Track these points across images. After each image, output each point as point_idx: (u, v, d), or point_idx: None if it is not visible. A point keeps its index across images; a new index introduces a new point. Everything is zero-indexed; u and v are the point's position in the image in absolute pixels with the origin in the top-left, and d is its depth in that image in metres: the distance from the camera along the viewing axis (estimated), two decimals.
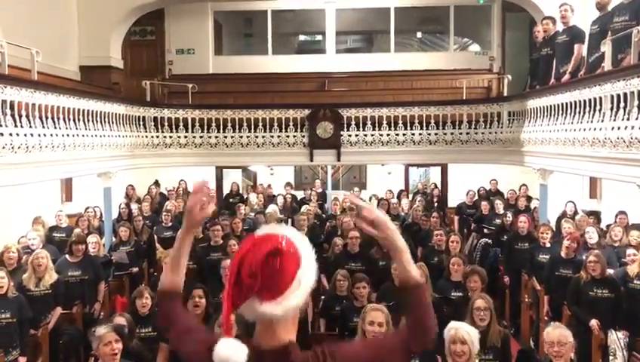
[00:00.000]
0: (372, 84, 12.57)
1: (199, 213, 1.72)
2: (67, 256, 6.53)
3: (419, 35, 16.12)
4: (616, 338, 5.30)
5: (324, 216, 10.35)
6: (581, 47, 7.19)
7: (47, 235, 8.12)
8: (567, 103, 7.02)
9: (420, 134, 9.86)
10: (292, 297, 1.40)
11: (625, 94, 5.55)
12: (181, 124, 9.90)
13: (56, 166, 7.01)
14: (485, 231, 9.31)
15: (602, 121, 6.05)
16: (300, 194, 12.09)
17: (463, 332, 3.58)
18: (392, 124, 9.91)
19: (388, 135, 9.90)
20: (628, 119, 5.48)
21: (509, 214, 8.68)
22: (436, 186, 12.78)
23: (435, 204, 11.37)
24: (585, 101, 6.49)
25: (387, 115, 9.91)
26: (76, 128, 7.39)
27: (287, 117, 9.99)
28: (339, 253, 7.01)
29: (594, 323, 5.47)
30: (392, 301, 5.39)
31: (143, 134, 9.65)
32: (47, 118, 6.67)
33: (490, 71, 12.58)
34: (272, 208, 10.06)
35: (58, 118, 6.93)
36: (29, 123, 6.23)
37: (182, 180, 12.22)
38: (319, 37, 15.17)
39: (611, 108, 5.83)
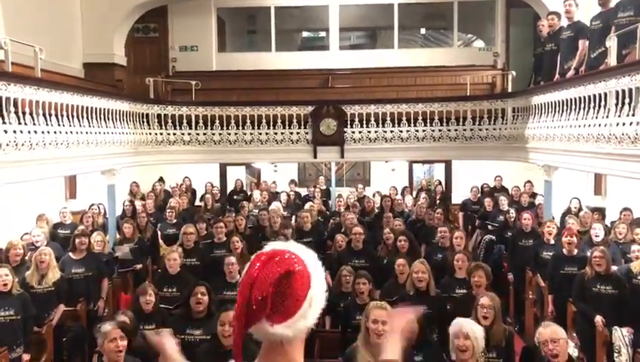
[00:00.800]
0: (376, 80, 12.54)
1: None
2: (70, 253, 6.56)
3: (423, 31, 16.07)
4: (621, 335, 5.28)
5: (327, 212, 10.34)
6: (586, 42, 7.14)
7: (52, 232, 8.16)
8: (571, 99, 6.97)
9: (423, 131, 9.82)
10: (303, 318, 1.37)
11: (630, 90, 5.51)
12: (185, 121, 9.89)
13: (60, 163, 7.01)
14: (489, 227, 9.29)
15: (607, 117, 6.01)
16: (303, 191, 12.08)
17: (467, 327, 3.60)
18: (396, 121, 9.87)
19: (392, 131, 9.87)
20: (633, 115, 5.44)
21: (513, 211, 8.65)
22: (440, 183, 12.75)
23: (439, 201, 11.35)
24: (590, 97, 6.45)
25: (391, 111, 9.88)
26: (80, 125, 7.39)
27: (291, 114, 9.98)
28: (342, 250, 7.00)
29: (598, 319, 5.47)
30: (394, 297, 5.40)
31: (146, 131, 9.65)
32: (50, 115, 6.67)
33: (494, 67, 12.53)
34: (275, 205, 10.06)
35: (62, 115, 6.93)
36: (33, 120, 6.23)
37: (186, 177, 12.24)
38: (323, 33, 15.12)
39: (616, 104, 5.79)
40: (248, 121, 9.90)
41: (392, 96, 11.06)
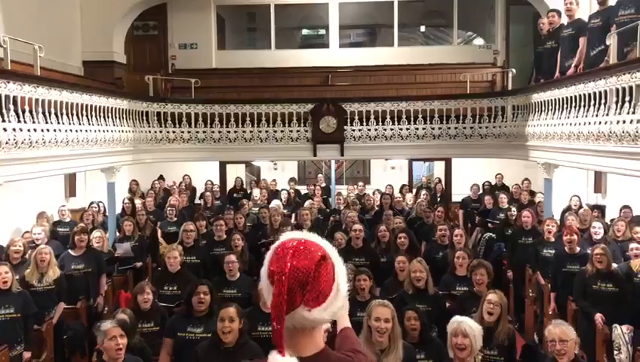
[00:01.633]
0: (375, 78, 12.53)
1: None
2: (70, 249, 6.56)
3: (422, 28, 16.07)
4: (621, 333, 5.28)
5: (327, 210, 10.34)
6: (586, 40, 7.13)
7: (52, 230, 8.15)
8: (572, 97, 6.97)
9: (423, 129, 9.81)
10: (336, 299, 1.44)
11: (630, 87, 5.50)
12: (184, 119, 9.88)
13: (60, 161, 7.01)
14: (489, 225, 9.29)
15: (607, 114, 6.00)
16: (303, 189, 12.08)
17: (465, 325, 3.59)
18: (396, 119, 9.86)
19: (392, 129, 9.86)
20: (633, 113, 5.43)
21: (513, 208, 8.65)
22: (440, 181, 12.75)
23: (439, 199, 11.36)
24: (590, 95, 6.44)
25: (391, 109, 9.87)
26: (79, 123, 7.38)
27: (291, 111, 9.97)
28: (342, 248, 6.98)
29: (598, 317, 5.47)
30: (394, 295, 5.40)
31: (146, 129, 9.64)
32: (50, 113, 6.66)
33: (494, 65, 12.52)
34: (275, 203, 10.06)
35: (61, 114, 6.92)
36: (32, 118, 6.23)
37: (186, 175, 12.24)
38: (322, 31, 15.11)
39: (616, 102, 5.78)
40: (248, 118, 9.89)
41: (391, 93, 11.05)
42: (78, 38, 11.67)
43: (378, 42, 15.64)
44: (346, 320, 1.88)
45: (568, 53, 7.46)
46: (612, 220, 7.87)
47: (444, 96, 10.06)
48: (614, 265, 5.96)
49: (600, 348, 5.44)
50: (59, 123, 6.83)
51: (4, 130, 5.69)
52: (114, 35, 11.97)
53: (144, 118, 9.61)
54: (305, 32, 16.40)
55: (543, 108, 8.01)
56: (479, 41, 14.71)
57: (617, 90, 5.78)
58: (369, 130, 9.89)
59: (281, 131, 9.93)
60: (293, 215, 9.70)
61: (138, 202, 9.77)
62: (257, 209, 9.62)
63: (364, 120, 9.88)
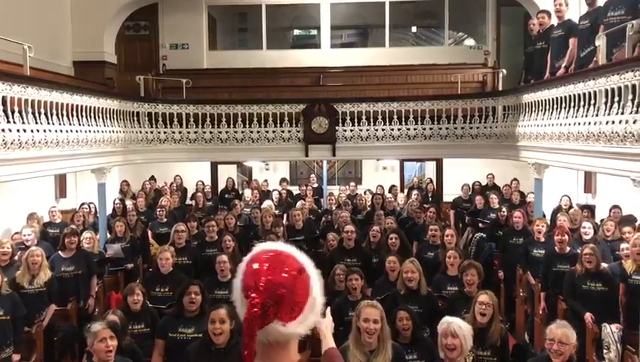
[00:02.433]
0: (367, 78, 12.54)
1: None
2: (60, 251, 6.52)
3: (414, 29, 16.11)
4: (610, 332, 5.32)
5: (319, 211, 10.34)
6: (576, 41, 7.18)
7: (42, 231, 8.10)
8: (562, 97, 7.01)
9: (414, 129, 9.83)
10: (310, 314, 1.42)
11: (619, 88, 5.55)
12: (175, 119, 9.84)
13: (50, 162, 6.96)
14: (480, 225, 9.33)
15: (597, 115, 6.04)
16: (295, 190, 12.08)
17: (454, 326, 3.60)
18: (387, 119, 9.88)
19: (383, 130, 9.87)
20: (622, 113, 5.47)
21: (504, 208, 8.69)
22: (431, 181, 12.79)
23: (430, 199, 11.39)
24: (579, 95, 6.49)
25: (382, 109, 9.88)
26: (70, 124, 7.34)
27: (282, 112, 9.95)
28: (334, 249, 7.00)
29: (588, 316, 5.51)
30: (385, 295, 5.41)
31: (137, 130, 9.60)
32: (40, 113, 6.62)
33: (485, 65, 12.57)
34: (267, 203, 10.06)
35: (51, 114, 6.88)
36: (22, 119, 6.18)
37: (177, 176, 12.20)
38: (314, 31, 15.12)
39: (606, 103, 5.83)
40: (239, 119, 9.87)
41: (383, 94, 11.08)
42: (68, 38, 11.61)
43: (370, 43, 15.67)
44: (330, 340, 1.87)
45: (558, 53, 7.51)
46: (602, 220, 7.93)
47: (435, 97, 10.08)
48: (604, 265, 6.00)
49: (590, 346, 5.48)
50: (49, 123, 6.79)
51: None
52: (105, 35, 11.92)
53: (135, 118, 9.57)
54: (296, 32, 16.40)
55: (534, 109, 8.05)
56: (470, 42, 14.76)
57: (606, 90, 5.82)
58: (360, 130, 9.90)
59: (273, 132, 9.92)
60: (285, 215, 9.70)
61: (129, 203, 9.72)
62: (249, 209, 9.61)
63: (356, 120, 9.89)
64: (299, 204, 9.82)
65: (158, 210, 8.93)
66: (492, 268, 8.20)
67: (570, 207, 8.83)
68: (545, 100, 7.59)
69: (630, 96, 5.31)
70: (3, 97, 5.86)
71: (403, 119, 9.85)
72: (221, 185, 12.67)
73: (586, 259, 5.66)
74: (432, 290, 5.56)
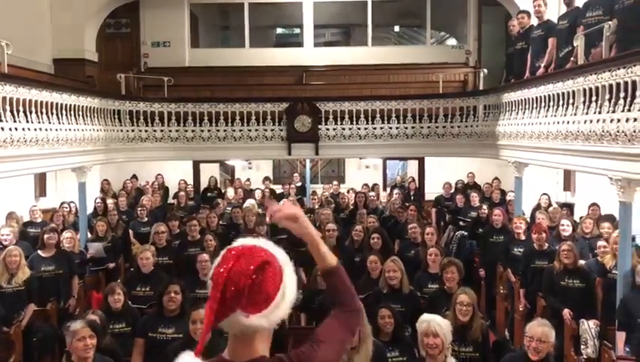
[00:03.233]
0: (350, 77, 12.57)
1: None
2: (40, 250, 6.44)
3: (396, 28, 16.19)
4: (588, 328, 5.41)
5: (302, 209, 10.33)
6: (555, 41, 7.27)
7: (22, 231, 8.00)
8: (541, 97, 7.11)
9: (397, 128, 9.89)
10: (277, 308, 1.42)
11: (597, 88, 5.64)
12: (157, 117, 9.78)
13: (29, 161, 6.89)
14: (461, 223, 9.41)
15: (575, 114, 6.14)
16: (278, 189, 12.07)
17: (434, 325, 3.63)
18: (370, 118, 9.92)
19: (365, 129, 9.91)
20: (599, 112, 5.57)
21: (485, 207, 8.78)
22: (413, 180, 12.86)
23: (412, 198, 11.46)
24: (558, 95, 6.58)
25: (365, 108, 9.92)
26: (49, 122, 7.26)
27: (265, 110, 9.94)
28: None
29: (566, 312, 5.59)
30: (367, 293, 5.44)
31: (118, 128, 9.52)
32: (18, 111, 6.54)
33: (467, 65, 12.67)
34: (249, 202, 10.03)
35: (30, 112, 6.80)
36: (0, 117, 6.10)
37: (159, 175, 12.12)
38: (297, 30, 15.11)
39: (584, 102, 5.92)
40: (222, 117, 9.83)
41: (366, 93, 11.11)
42: (48, 35, 11.45)
43: (352, 42, 15.71)
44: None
45: (538, 53, 7.61)
46: (580, 218, 8.05)
47: (417, 96, 10.15)
48: (581, 262, 6.09)
49: (568, 342, 5.55)
50: (28, 122, 6.71)
51: None
52: (85, 33, 11.78)
53: (116, 116, 9.49)
54: (279, 30, 16.39)
55: (514, 108, 8.14)
56: (452, 42, 14.86)
57: (584, 90, 5.91)
58: (343, 129, 9.93)
59: (256, 130, 9.90)
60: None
61: (110, 202, 9.64)
62: (231, 208, 9.57)
63: (339, 119, 9.92)
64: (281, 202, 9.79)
65: (139, 209, 8.87)
66: (473, 266, 8.27)
67: (550, 205, 8.94)
68: (525, 100, 7.68)
69: (607, 96, 5.41)
70: None
71: (385, 118, 9.90)
72: (203, 184, 12.62)
73: (563, 256, 5.74)
74: (413, 288, 5.60)
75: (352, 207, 9.80)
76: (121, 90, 10.23)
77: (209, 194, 11.49)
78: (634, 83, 4.91)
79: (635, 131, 4.84)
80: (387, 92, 11.09)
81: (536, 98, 7.26)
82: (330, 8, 14.12)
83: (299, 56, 13.32)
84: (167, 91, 10.61)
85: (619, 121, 5.13)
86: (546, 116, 6.90)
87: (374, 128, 9.91)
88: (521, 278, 6.62)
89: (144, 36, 13.08)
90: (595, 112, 5.67)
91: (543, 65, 7.43)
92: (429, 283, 5.78)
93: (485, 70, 10.43)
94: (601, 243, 6.37)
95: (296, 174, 12.85)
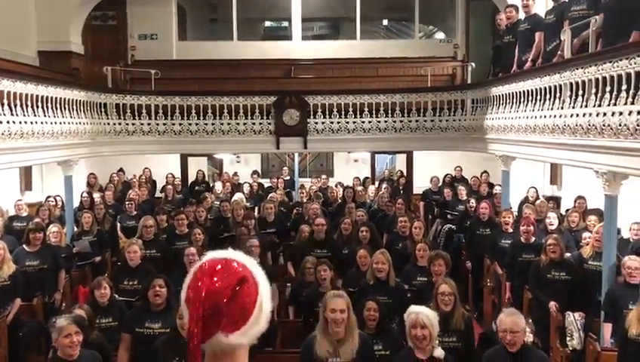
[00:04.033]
0: (338, 71, 12.56)
1: None
2: (24, 245, 6.37)
3: (385, 22, 16.18)
4: (573, 320, 5.46)
5: (290, 203, 10.34)
6: (542, 35, 7.30)
7: (7, 225, 7.92)
8: (528, 91, 7.14)
9: (385, 122, 9.89)
10: (256, 323, 1.37)
11: (583, 82, 5.68)
12: (144, 111, 9.71)
13: (14, 154, 6.81)
14: (449, 216, 9.45)
15: (562, 108, 6.18)
16: (267, 183, 12.05)
17: (423, 316, 3.66)
18: (358, 112, 9.92)
19: (354, 122, 9.91)
20: (586, 106, 5.61)
21: (472, 200, 8.82)
22: (402, 174, 12.90)
23: (401, 191, 11.49)
24: (545, 88, 6.62)
25: (353, 102, 9.91)
26: (35, 115, 7.18)
27: (253, 104, 9.90)
28: (305, 240, 7.02)
29: (552, 305, 5.64)
30: (356, 287, 5.45)
31: (104, 121, 9.44)
32: (3, 104, 6.47)
33: (455, 58, 12.70)
34: (238, 196, 10.00)
35: (15, 105, 6.72)
36: None
37: (146, 168, 12.05)
38: (285, 23, 15.06)
39: (570, 96, 5.96)
40: (209, 111, 9.78)
41: (354, 87, 11.10)
42: (32, 27, 11.30)
43: (341, 35, 15.70)
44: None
45: (525, 47, 7.63)
46: (567, 210, 8.12)
47: (405, 90, 10.16)
48: (568, 254, 6.15)
49: (554, 334, 5.61)
50: (12, 115, 6.63)
51: None
52: (71, 25, 11.65)
53: (102, 109, 9.41)
54: (267, 23, 16.33)
55: (501, 102, 8.18)
56: (440, 35, 14.89)
57: (571, 84, 5.95)
58: (332, 123, 9.92)
59: (244, 124, 9.86)
60: (256, 208, 9.67)
61: (97, 196, 9.57)
62: (220, 202, 9.54)
63: (327, 113, 9.91)
64: (270, 196, 9.79)
65: (127, 203, 8.81)
66: (460, 259, 8.33)
67: (537, 198, 9.00)
68: (512, 93, 7.72)
69: (593, 90, 5.44)
70: None
71: (374, 112, 9.90)
72: (191, 178, 12.56)
73: (550, 250, 5.79)
74: (401, 281, 5.62)
75: (340, 201, 9.81)
76: (108, 83, 10.13)
77: (197, 187, 11.45)
78: (620, 77, 4.94)
79: (620, 125, 4.87)
80: (375, 86, 11.09)
81: (524, 92, 7.29)
82: (318, 2, 14.11)
83: (287, 49, 13.29)
84: (155, 84, 10.53)
85: (605, 114, 5.17)
86: (533, 110, 6.93)
87: (363, 122, 9.91)
88: (508, 271, 6.67)
89: (131, 29, 12.99)
90: (581, 106, 5.70)
91: (530, 59, 7.46)
92: (417, 275, 5.81)
93: (473, 64, 10.47)
94: (586, 234, 6.44)
95: (285, 168, 12.83)
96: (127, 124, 9.70)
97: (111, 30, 12.97)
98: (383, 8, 15.38)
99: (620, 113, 4.90)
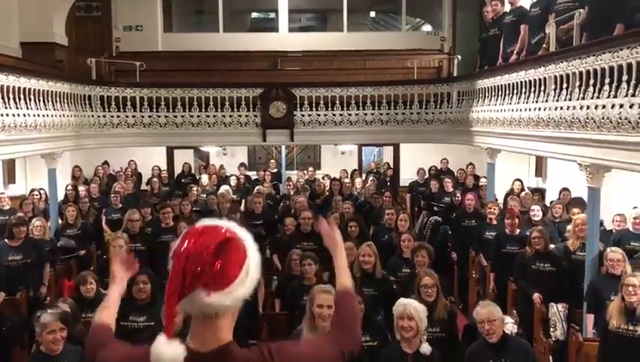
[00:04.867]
0: (325, 63, 12.51)
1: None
2: (7, 239, 6.31)
3: (372, 14, 16.13)
4: (557, 311, 5.53)
5: (277, 196, 10.32)
6: (527, 27, 7.33)
7: None
8: (513, 83, 7.17)
9: (372, 114, 9.89)
10: (241, 286, 1.37)
11: (567, 75, 5.71)
12: (129, 103, 9.62)
13: None
14: (435, 208, 9.50)
15: (546, 101, 6.21)
16: (254, 175, 12.02)
17: (410, 308, 3.69)
18: (345, 104, 9.91)
19: (341, 115, 9.90)
20: (570, 99, 5.64)
21: (458, 192, 8.87)
22: (390, 166, 12.92)
23: (389, 183, 11.52)
24: (530, 81, 6.65)
25: (340, 94, 9.90)
26: (17, 108, 7.09)
27: (239, 96, 9.84)
28: (291, 233, 7.02)
29: (536, 296, 5.70)
30: None
31: (88, 114, 9.34)
32: None
33: (441, 51, 12.71)
34: (224, 189, 9.96)
35: None
36: None
37: (131, 161, 11.96)
38: (272, 15, 14.96)
39: (555, 89, 5.99)
40: (195, 103, 9.72)
41: (341, 79, 11.07)
42: (15, 18, 11.12)
43: (328, 27, 15.62)
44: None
45: (510, 39, 7.65)
46: (551, 202, 8.19)
47: (392, 82, 10.16)
48: (552, 246, 6.21)
49: (537, 325, 5.67)
50: None
51: None
52: (54, 16, 11.47)
53: (87, 102, 9.31)
54: (254, 15, 16.21)
55: (487, 95, 8.21)
56: (427, 28, 14.89)
57: (555, 77, 5.98)
58: (318, 115, 9.90)
59: (230, 116, 9.81)
60: (243, 201, 9.65)
61: (82, 188, 9.49)
62: (206, 195, 9.50)
63: (314, 105, 9.88)
64: (256, 189, 9.76)
65: (112, 195, 8.75)
66: (446, 251, 8.38)
67: (522, 190, 9.06)
68: (497, 86, 7.75)
69: (577, 83, 5.47)
70: None
71: (360, 104, 9.90)
72: (178, 170, 12.49)
73: (534, 243, 5.85)
74: (387, 273, 5.64)
75: (327, 194, 9.81)
76: (92, 74, 10.02)
77: (183, 180, 11.39)
78: (603, 70, 4.98)
79: (603, 118, 4.91)
80: (362, 78, 11.09)
81: (509, 85, 7.32)
82: None
83: (274, 41, 13.22)
84: (140, 76, 10.42)
85: (588, 108, 5.21)
86: (518, 103, 6.96)
87: (349, 114, 9.90)
88: (492, 262, 6.73)
89: (116, 20, 12.84)
90: (565, 99, 5.74)
91: (515, 51, 7.48)
92: (402, 267, 5.83)
93: (459, 56, 10.48)
94: (569, 226, 6.50)
95: (272, 160, 12.80)
96: (111, 117, 9.61)
97: (95, 21, 12.81)
98: (370, 0, 15.33)
99: (603, 106, 4.94)
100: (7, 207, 8.24)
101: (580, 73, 5.43)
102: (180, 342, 1.35)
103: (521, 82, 6.90)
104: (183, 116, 9.71)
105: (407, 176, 12.38)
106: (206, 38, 13.26)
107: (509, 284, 6.35)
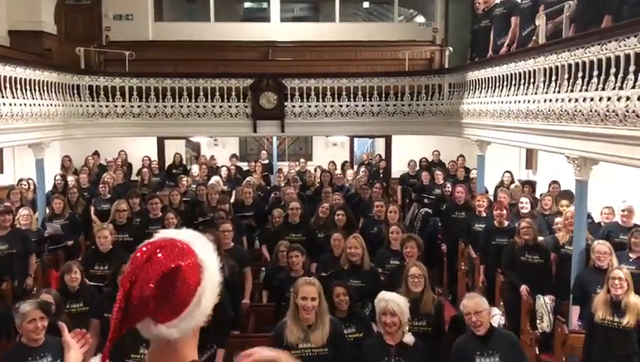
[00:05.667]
0: (317, 54, 12.44)
1: None
2: None
3: (365, 5, 16.05)
4: (544, 303, 5.55)
5: (268, 187, 10.29)
6: (517, 19, 7.31)
7: None
8: (503, 76, 7.16)
9: (363, 105, 9.86)
10: (190, 317, 1.27)
11: (556, 67, 5.70)
12: (118, 92, 9.54)
13: None
14: (425, 200, 9.50)
15: (536, 93, 6.20)
16: (245, 166, 11.98)
17: (393, 304, 3.69)
18: (336, 95, 9.86)
19: (332, 106, 9.85)
20: (559, 92, 5.64)
21: (449, 184, 8.87)
22: (381, 158, 12.91)
23: (381, 175, 11.51)
24: (520, 74, 6.63)
25: (331, 85, 9.85)
26: (3, 96, 7.02)
27: (230, 86, 9.77)
28: (279, 224, 7.00)
29: (523, 288, 5.71)
30: (330, 271, 5.46)
31: (77, 103, 9.25)
32: None
33: (434, 43, 12.66)
34: (214, 179, 9.92)
35: None
36: None
37: (122, 151, 11.89)
38: (264, 4, 14.85)
39: (544, 81, 5.98)
40: (185, 93, 9.64)
41: (332, 70, 11.00)
42: (3, 6, 11.00)
43: (320, 17, 15.52)
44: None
45: (500, 31, 7.64)
46: (541, 195, 8.20)
47: (383, 74, 10.12)
48: (541, 238, 6.22)
49: (524, 317, 5.69)
50: None
51: None
52: (43, 4, 11.37)
53: (75, 91, 9.22)
54: (246, 4, 16.09)
55: (477, 87, 8.19)
56: (420, 19, 14.82)
57: (545, 69, 5.97)
58: (309, 106, 9.85)
59: (220, 106, 9.74)
60: (234, 192, 9.61)
61: (71, 179, 9.42)
62: (196, 186, 9.46)
63: (305, 96, 9.83)
64: (246, 180, 9.73)
65: (101, 186, 8.70)
66: (436, 242, 8.39)
67: (512, 182, 9.07)
68: (487, 78, 7.73)
69: (566, 75, 5.46)
70: None
71: (352, 95, 9.85)
72: (169, 161, 12.43)
73: (523, 233, 5.86)
74: (375, 265, 5.64)
75: (317, 185, 9.79)
76: (81, 64, 9.92)
77: (174, 170, 11.34)
78: (591, 63, 4.97)
79: (591, 111, 4.91)
80: (354, 69, 11.03)
81: (499, 77, 7.31)
82: None
83: (265, 31, 13.13)
84: (130, 66, 10.32)
85: (576, 100, 5.20)
86: (508, 95, 6.95)
87: (340, 106, 9.86)
88: (481, 254, 6.74)
89: (106, 9, 12.71)
90: (554, 92, 5.73)
91: (505, 43, 7.46)
92: (390, 259, 5.83)
93: (451, 48, 10.44)
94: (558, 219, 6.52)
95: (263, 151, 12.76)
96: (100, 106, 9.52)
97: (85, 10, 12.67)
98: None
99: (591, 99, 4.93)
100: None
101: (569, 65, 5.41)
102: None
103: (511, 74, 6.88)
104: (172, 106, 9.63)
105: (400, 167, 12.37)
106: (197, 28, 13.15)
107: (497, 276, 6.36)
